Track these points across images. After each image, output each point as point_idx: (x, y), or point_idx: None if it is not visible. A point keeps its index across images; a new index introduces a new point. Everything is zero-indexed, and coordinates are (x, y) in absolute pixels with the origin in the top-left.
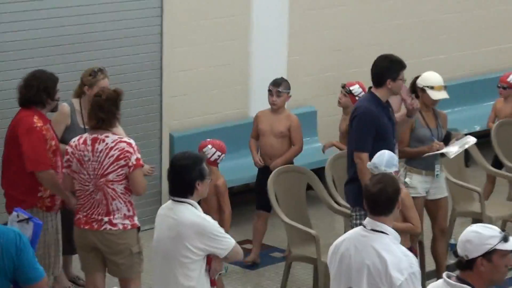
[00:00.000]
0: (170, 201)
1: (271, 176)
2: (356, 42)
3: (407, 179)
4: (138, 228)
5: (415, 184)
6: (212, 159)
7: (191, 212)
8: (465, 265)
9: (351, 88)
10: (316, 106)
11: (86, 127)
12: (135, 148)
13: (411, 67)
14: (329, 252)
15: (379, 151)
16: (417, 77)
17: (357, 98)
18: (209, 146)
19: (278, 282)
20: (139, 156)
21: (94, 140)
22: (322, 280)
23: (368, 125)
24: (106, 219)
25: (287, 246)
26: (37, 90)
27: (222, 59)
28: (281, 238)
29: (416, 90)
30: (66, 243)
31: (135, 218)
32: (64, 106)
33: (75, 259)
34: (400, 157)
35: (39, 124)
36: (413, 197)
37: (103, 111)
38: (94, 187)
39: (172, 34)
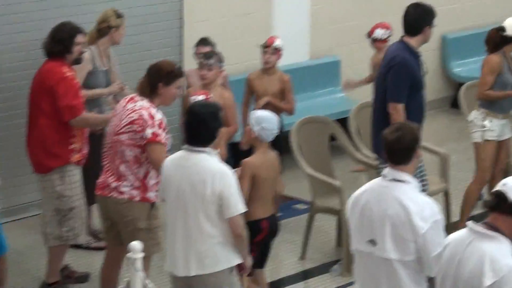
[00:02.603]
0: (183, 152)
1: (293, 127)
2: None
3: (486, 122)
4: (152, 204)
5: (494, 127)
6: None
7: (214, 161)
8: (503, 209)
9: (277, 44)
10: (340, 55)
11: (105, 68)
12: (156, 122)
13: (437, 14)
14: (348, 205)
15: (414, 101)
16: (497, 29)
17: (281, 52)
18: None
19: (301, 234)
20: (157, 131)
21: (131, 98)
22: (345, 232)
23: (405, 76)
24: (114, 184)
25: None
26: (53, 41)
27: (244, 8)
28: (304, 190)
29: (500, 41)
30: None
31: (148, 193)
32: (85, 53)
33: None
34: (480, 99)
35: (69, 73)
36: (490, 140)
37: (146, 77)
38: (110, 143)
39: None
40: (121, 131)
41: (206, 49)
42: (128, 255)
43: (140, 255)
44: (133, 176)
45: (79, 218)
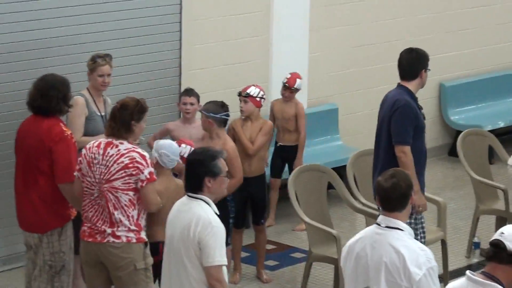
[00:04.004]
0: (185, 197)
1: (291, 175)
2: (377, 38)
3: None
4: (146, 243)
5: None
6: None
7: (206, 209)
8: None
9: (248, 91)
10: (337, 103)
11: (103, 113)
12: (148, 161)
13: (434, 62)
14: (342, 253)
15: (416, 145)
16: None
17: (257, 99)
18: (183, 145)
19: (298, 282)
20: (152, 170)
21: (107, 144)
22: (343, 281)
23: (409, 118)
24: (109, 230)
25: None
26: (57, 100)
27: (242, 56)
28: (302, 238)
29: None
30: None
31: (142, 233)
32: (78, 98)
33: None
34: None
35: (68, 132)
36: None
37: (115, 120)
38: (99, 192)
39: (191, 31)
40: (113, 178)
41: (191, 99)
42: None
43: None
44: (128, 221)
45: (70, 272)
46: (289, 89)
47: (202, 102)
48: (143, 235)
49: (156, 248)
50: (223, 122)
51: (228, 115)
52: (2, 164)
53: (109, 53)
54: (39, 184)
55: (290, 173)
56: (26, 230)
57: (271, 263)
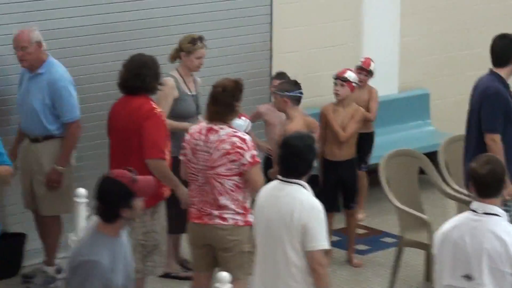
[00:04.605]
0: (277, 182)
1: (382, 160)
2: (469, 23)
3: None
4: (251, 227)
5: None
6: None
7: (306, 193)
8: None
9: (346, 75)
10: (429, 88)
11: (193, 93)
12: (249, 144)
13: None
14: (436, 241)
15: (507, 133)
16: None
17: (353, 84)
18: (243, 118)
19: (389, 267)
20: (254, 152)
21: (208, 130)
22: (434, 266)
23: (500, 105)
24: (216, 213)
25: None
26: (149, 79)
27: (333, 39)
28: (393, 223)
29: None
30: (173, 220)
31: (249, 216)
32: (168, 80)
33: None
34: None
35: (159, 110)
36: None
37: (218, 103)
38: (204, 178)
39: (282, 14)
40: (216, 164)
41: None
42: (216, 285)
43: (228, 286)
44: (234, 204)
45: (162, 252)
46: (365, 70)
47: None
48: (249, 218)
49: None
50: (297, 100)
51: (301, 93)
52: (95, 144)
53: (200, 35)
54: (131, 164)
55: (361, 162)
56: None
57: (361, 247)
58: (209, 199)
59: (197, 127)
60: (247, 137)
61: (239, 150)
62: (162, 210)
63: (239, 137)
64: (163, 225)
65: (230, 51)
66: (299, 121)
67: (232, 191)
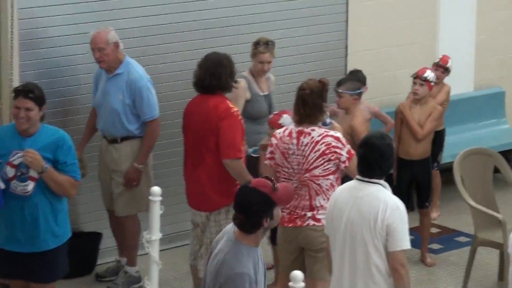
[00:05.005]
0: (356, 182)
1: (457, 158)
2: None
3: None
4: None
5: None
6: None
7: (388, 193)
8: None
9: (425, 75)
10: (504, 86)
11: (265, 93)
12: (343, 141)
13: None
14: (511, 240)
15: None
16: None
17: (431, 83)
18: (285, 115)
19: (462, 267)
20: (349, 147)
21: (299, 133)
22: (508, 266)
23: None
24: (309, 214)
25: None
26: (225, 77)
27: (409, 38)
28: (467, 222)
29: None
30: None
31: None
32: (240, 81)
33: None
34: None
35: (235, 109)
36: None
37: (307, 106)
38: (298, 182)
39: (358, 12)
40: (312, 167)
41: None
42: (290, 284)
43: (302, 285)
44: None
45: None
46: (442, 67)
47: (369, 84)
48: None
49: None
50: (360, 96)
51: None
52: (170, 143)
53: (276, 34)
54: (207, 163)
55: (433, 161)
56: (194, 208)
57: (435, 246)
58: (304, 201)
59: (284, 130)
60: (338, 134)
61: (335, 149)
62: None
63: (332, 136)
64: None
65: (306, 50)
66: (360, 117)
67: (328, 190)
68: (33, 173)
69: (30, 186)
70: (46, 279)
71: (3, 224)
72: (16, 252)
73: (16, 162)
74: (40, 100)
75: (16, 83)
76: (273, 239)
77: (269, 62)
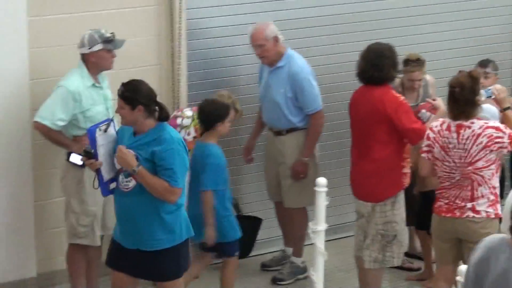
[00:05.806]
0: None
1: None
2: None
3: None
4: (500, 219)
5: None
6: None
7: None
8: None
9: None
10: None
11: (413, 103)
12: (503, 128)
13: None
14: None
15: None
16: None
17: None
18: (423, 110)
19: None
20: (509, 131)
21: (458, 127)
22: None
23: None
24: (469, 205)
25: None
26: (388, 68)
27: None
28: None
29: None
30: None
31: (499, 207)
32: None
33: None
34: None
35: (402, 98)
36: None
37: (459, 104)
38: (461, 175)
39: None
40: (474, 160)
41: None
42: (458, 278)
43: None
44: (490, 192)
45: (402, 243)
46: None
47: None
48: (499, 209)
49: None
50: None
51: None
52: (334, 134)
53: (443, 26)
54: (374, 154)
55: None
56: (360, 198)
57: None
58: (465, 191)
59: (441, 124)
60: (498, 123)
61: (498, 139)
62: (401, 200)
63: (492, 127)
64: (402, 216)
65: (472, 43)
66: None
67: (490, 179)
68: None
69: (132, 183)
70: (155, 278)
71: (116, 217)
72: (122, 246)
73: None
74: (129, 100)
75: (184, 84)
76: (420, 225)
77: (420, 80)
